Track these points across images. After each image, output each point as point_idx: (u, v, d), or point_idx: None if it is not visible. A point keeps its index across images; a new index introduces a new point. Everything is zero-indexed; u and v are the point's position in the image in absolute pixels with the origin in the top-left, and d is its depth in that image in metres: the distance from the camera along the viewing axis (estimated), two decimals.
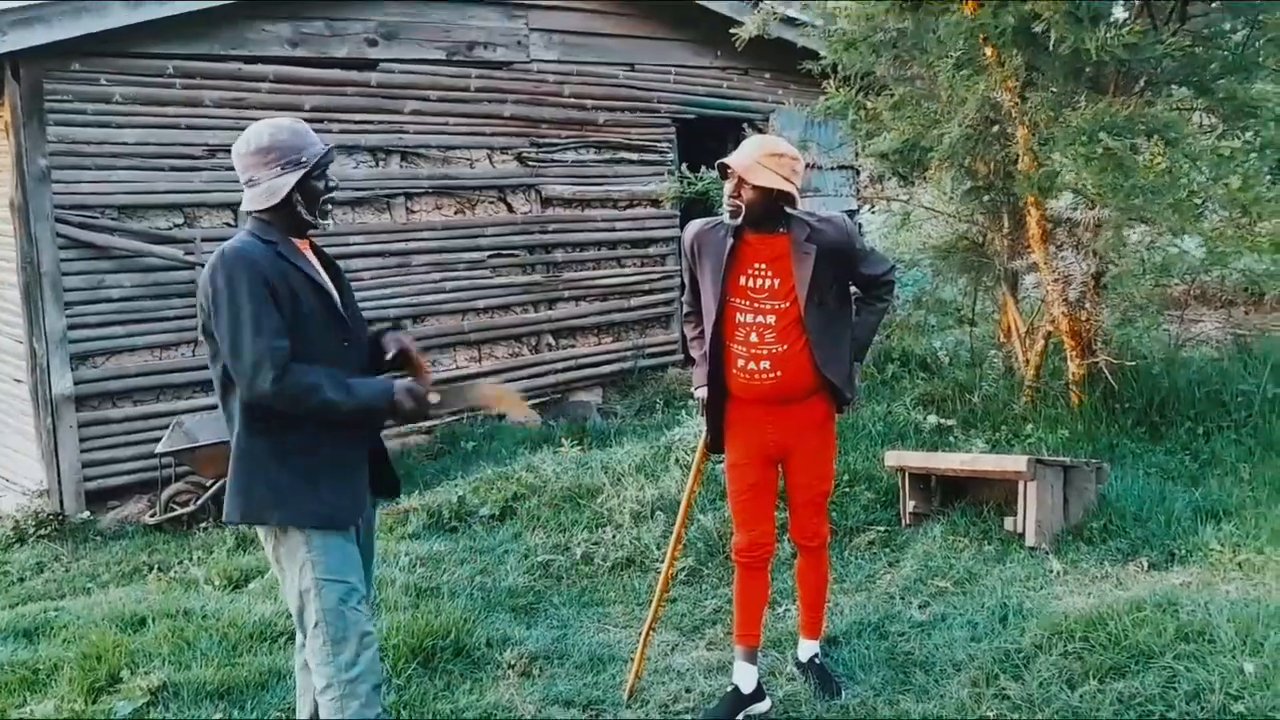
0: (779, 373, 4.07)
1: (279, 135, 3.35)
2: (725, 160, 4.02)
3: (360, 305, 3.76)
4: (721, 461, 6.35)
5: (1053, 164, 6.34)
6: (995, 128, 6.97)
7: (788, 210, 4.05)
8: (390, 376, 3.51)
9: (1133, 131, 6.21)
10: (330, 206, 3.54)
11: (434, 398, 3.43)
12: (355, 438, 3.42)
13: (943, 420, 7.46)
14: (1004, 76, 6.63)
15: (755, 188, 3.94)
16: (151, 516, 8.09)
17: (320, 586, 3.29)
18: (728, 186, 4.03)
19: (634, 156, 11.29)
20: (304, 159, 3.34)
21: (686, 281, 4.34)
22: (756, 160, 3.96)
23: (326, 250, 3.64)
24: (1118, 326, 7.53)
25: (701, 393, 4.29)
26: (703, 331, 4.25)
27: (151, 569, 6.91)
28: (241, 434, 3.32)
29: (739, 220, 4.01)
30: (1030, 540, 5.45)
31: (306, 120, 9.22)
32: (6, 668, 4.81)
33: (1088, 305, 7.09)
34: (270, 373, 3.15)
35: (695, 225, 4.26)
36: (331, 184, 3.45)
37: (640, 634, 4.62)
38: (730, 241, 4.08)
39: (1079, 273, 6.83)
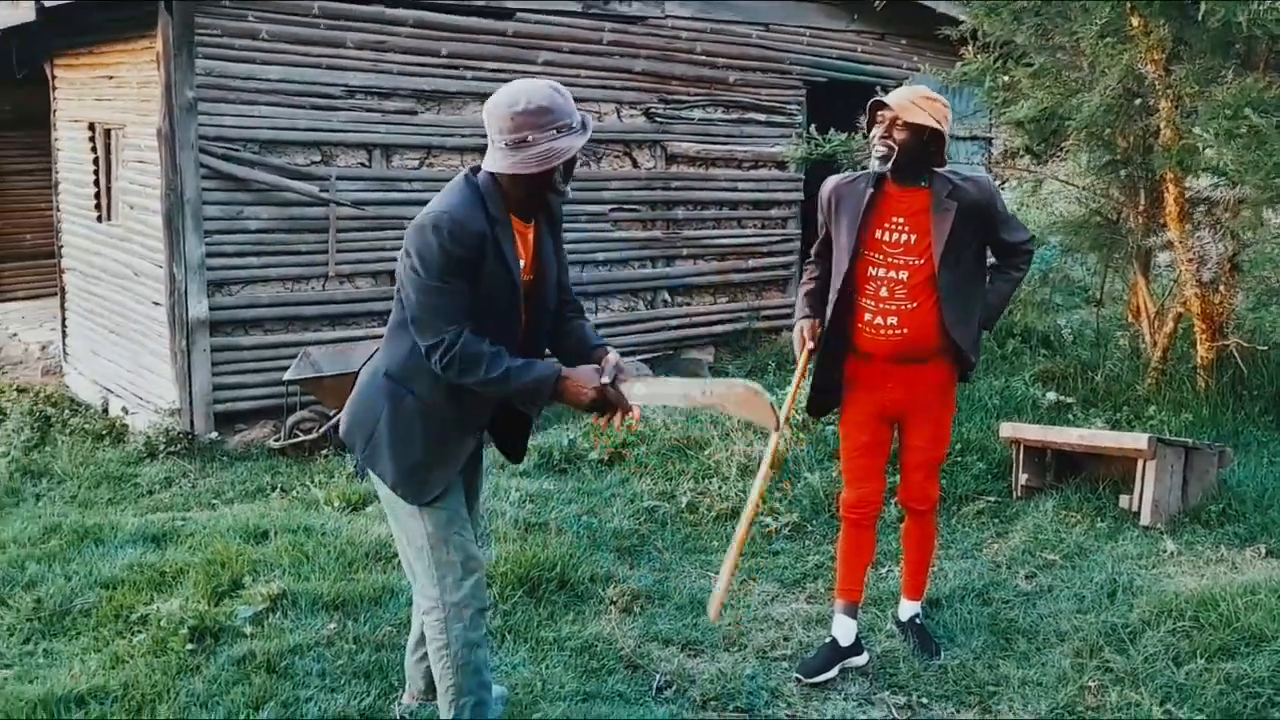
0: (905, 330, 4.05)
1: (555, 98, 3.14)
2: (880, 99, 3.99)
3: None
4: (831, 422, 6.39)
5: (1194, 138, 6.16)
6: (1137, 100, 6.79)
7: (933, 168, 4.03)
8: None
9: None
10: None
11: (621, 386, 3.24)
12: (480, 421, 3.39)
13: (1062, 398, 7.33)
14: (1149, 47, 6.45)
15: (908, 126, 3.91)
16: (276, 441, 8.40)
17: (424, 512, 3.34)
18: (877, 131, 4.00)
19: (762, 117, 11.24)
20: (578, 124, 3.17)
21: (820, 235, 4.31)
22: (911, 100, 3.94)
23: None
24: (1251, 310, 7.31)
25: (804, 322, 4.26)
26: (818, 276, 4.27)
27: (274, 489, 7.19)
28: (395, 372, 3.31)
29: (888, 165, 3.97)
30: (1145, 519, 5.35)
31: (442, 66, 9.39)
32: (135, 568, 5.06)
33: (1222, 287, 6.89)
34: (441, 358, 3.13)
35: (834, 179, 4.25)
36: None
37: (748, 579, 4.66)
38: (870, 193, 4.07)
39: (1215, 253, 6.64)
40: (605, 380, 3.24)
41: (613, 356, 3.38)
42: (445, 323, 3.13)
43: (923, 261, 4.01)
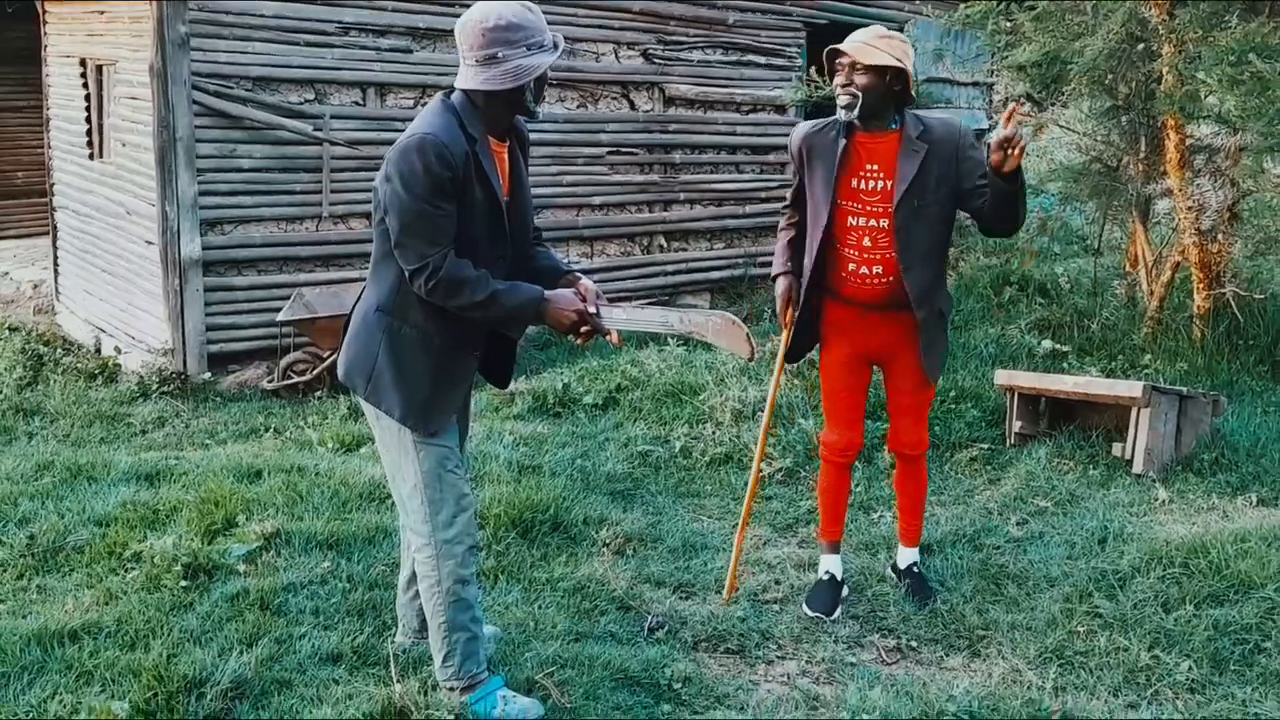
0: (891, 278, 4.02)
1: (526, 15, 3.17)
2: (835, 46, 3.93)
3: None
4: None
5: (1196, 84, 6.10)
6: (1140, 45, 6.72)
7: (904, 109, 3.97)
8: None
9: None
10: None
11: (601, 311, 3.34)
12: (477, 341, 3.42)
13: (1058, 346, 7.33)
14: None
15: (868, 69, 3.84)
16: (269, 382, 8.39)
17: (419, 449, 3.35)
18: (839, 78, 3.93)
19: (761, 60, 11.13)
20: (549, 43, 3.20)
21: (794, 183, 4.26)
22: (866, 42, 3.88)
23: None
24: (1249, 259, 7.29)
25: (782, 282, 4.24)
26: (796, 222, 4.24)
27: (267, 430, 7.18)
28: (386, 305, 3.31)
29: (854, 113, 3.91)
30: (1138, 467, 5.36)
31: (437, 3, 9.25)
32: (129, 506, 5.05)
33: (1220, 236, 6.87)
34: (426, 282, 3.14)
35: (804, 127, 4.16)
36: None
37: (735, 532, 4.66)
38: (842, 142, 4.00)
39: (1214, 201, 6.61)
40: (589, 305, 3.32)
41: (588, 282, 3.44)
42: (429, 246, 3.13)
43: None
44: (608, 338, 3.38)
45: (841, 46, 3.90)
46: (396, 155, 3.13)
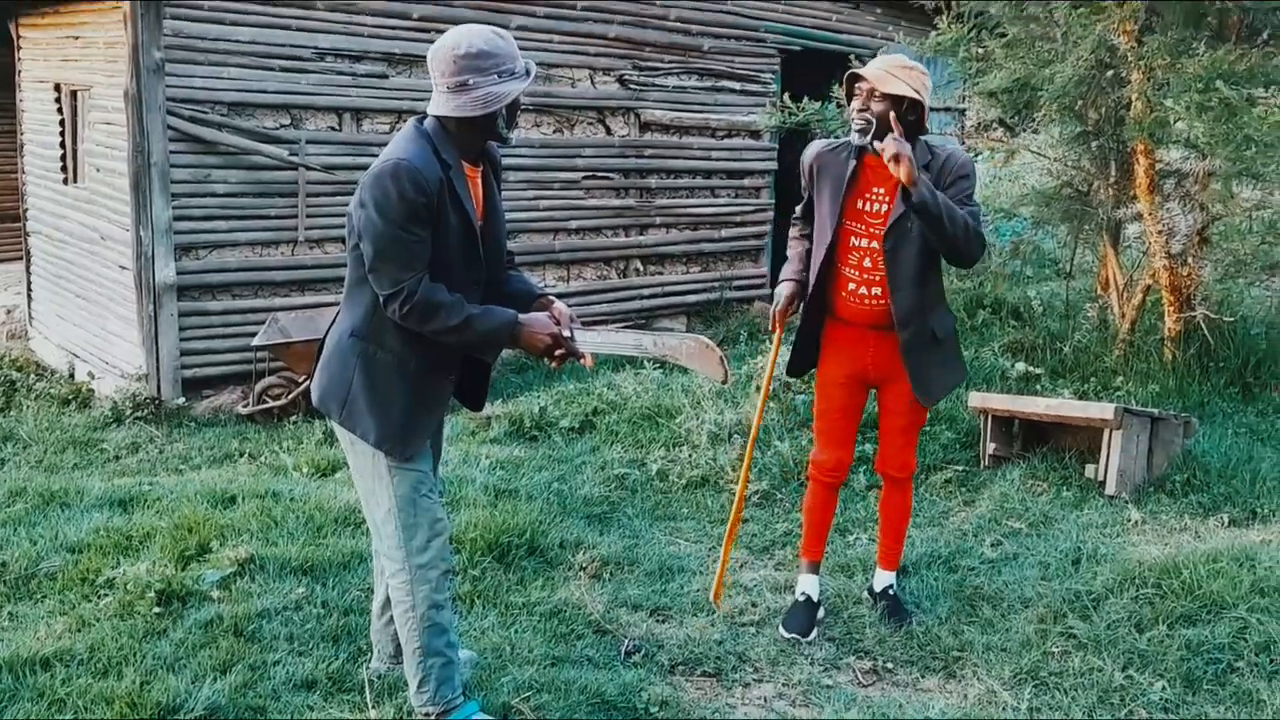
0: (888, 300, 4.06)
1: (497, 43, 3.19)
2: (856, 70, 3.96)
3: None
4: (802, 392, 6.41)
5: (1165, 111, 6.18)
6: (1109, 72, 6.80)
7: (916, 138, 4.00)
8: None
9: (1251, 82, 6.04)
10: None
11: (575, 334, 3.36)
12: (453, 365, 3.42)
13: (1031, 368, 7.37)
14: (1123, 19, 6.46)
15: (886, 97, 3.87)
16: (244, 407, 8.36)
17: (394, 474, 3.34)
18: (855, 103, 3.97)
19: (736, 86, 11.21)
20: (520, 70, 3.23)
21: (804, 199, 4.30)
22: (887, 70, 3.90)
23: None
24: (1219, 281, 7.36)
25: (786, 286, 4.26)
26: (808, 234, 4.27)
27: (242, 455, 7.15)
28: (360, 330, 3.31)
29: (868, 138, 3.93)
30: (1111, 489, 5.40)
31: (414, 29, 9.29)
32: (102, 532, 5.02)
33: (1190, 260, 6.94)
34: (401, 307, 3.15)
35: (817, 145, 4.22)
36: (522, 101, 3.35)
37: (718, 547, 4.68)
38: (852, 164, 4.05)
39: (1184, 225, 6.68)
40: (563, 329, 3.34)
41: (561, 305, 3.46)
42: (403, 271, 3.14)
43: None
44: (581, 361, 3.40)
45: (862, 72, 3.94)
46: (370, 181, 3.14)
